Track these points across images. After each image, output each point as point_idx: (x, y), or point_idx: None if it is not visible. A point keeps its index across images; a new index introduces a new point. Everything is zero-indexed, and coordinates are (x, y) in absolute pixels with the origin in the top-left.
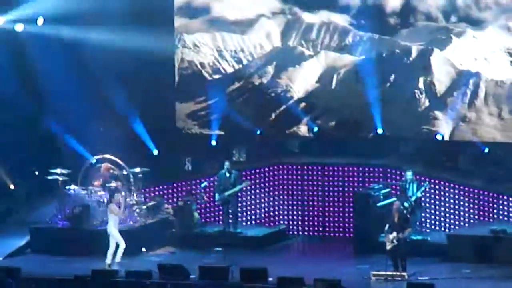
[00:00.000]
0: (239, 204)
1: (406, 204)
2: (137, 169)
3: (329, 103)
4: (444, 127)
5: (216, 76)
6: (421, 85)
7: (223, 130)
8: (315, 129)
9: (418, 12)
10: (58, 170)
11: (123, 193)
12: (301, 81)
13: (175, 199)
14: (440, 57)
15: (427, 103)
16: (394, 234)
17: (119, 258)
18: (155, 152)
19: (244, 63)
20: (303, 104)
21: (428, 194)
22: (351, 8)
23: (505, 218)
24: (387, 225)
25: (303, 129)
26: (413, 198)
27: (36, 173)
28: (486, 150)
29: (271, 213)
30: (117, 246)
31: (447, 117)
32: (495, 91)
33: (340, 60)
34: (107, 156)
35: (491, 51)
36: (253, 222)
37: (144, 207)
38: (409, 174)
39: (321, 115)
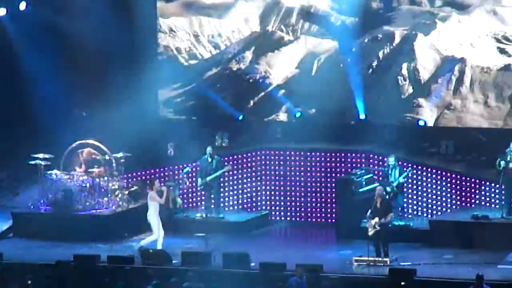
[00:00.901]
0: (222, 190)
1: (388, 189)
2: (120, 154)
3: (310, 89)
4: (428, 115)
5: (193, 62)
6: (404, 71)
7: (205, 115)
8: (297, 114)
9: None
10: (41, 155)
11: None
12: (281, 67)
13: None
14: (424, 42)
15: (410, 90)
16: (376, 219)
17: (144, 242)
18: (138, 137)
19: (221, 48)
20: (282, 91)
21: (410, 180)
22: None
23: (487, 204)
24: (369, 211)
25: (282, 116)
26: (395, 184)
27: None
28: (468, 136)
29: (254, 199)
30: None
31: (431, 105)
32: (481, 77)
33: (321, 45)
34: (90, 141)
35: (477, 36)
36: (236, 207)
37: (127, 192)
38: (391, 160)
39: (301, 102)
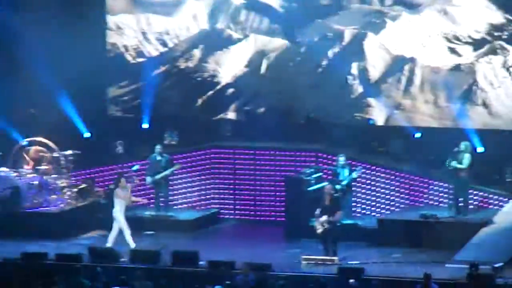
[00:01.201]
0: (171, 188)
1: (338, 187)
2: (68, 152)
3: (259, 88)
4: (377, 115)
5: (140, 60)
6: (354, 70)
7: (154, 113)
8: (247, 113)
9: None
10: None
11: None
12: (229, 65)
13: (106, 182)
14: (374, 41)
15: (360, 90)
16: (325, 217)
17: (131, 243)
18: (87, 134)
19: (169, 46)
20: (231, 90)
21: (359, 179)
22: None
23: (436, 203)
24: (318, 209)
25: (231, 115)
26: (344, 182)
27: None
28: (418, 135)
29: (203, 197)
30: (120, 231)
31: (381, 105)
32: (431, 77)
33: (270, 43)
34: (38, 138)
35: (427, 35)
36: (185, 205)
37: (75, 189)
38: (341, 159)
39: (250, 102)
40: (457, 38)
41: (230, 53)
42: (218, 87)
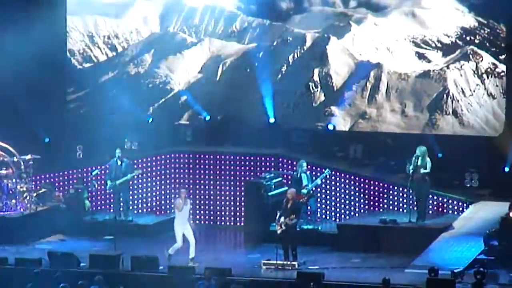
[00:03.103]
0: (131, 192)
1: (304, 191)
2: (28, 156)
3: (214, 96)
4: (341, 124)
5: (87, 65)
6: (316, 77)
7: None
8: (207, 118)
9: None
10: None
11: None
12: (183, 71)
13: (66, 187)
14: (337, 46)
15: (322, 98)
16: (282, 219)
17: (192, 253)
18: (46, 139)
19: (118, 51)
20: (184, 98)
21: (319, 184)
22: None
23: (395, 208)
24: (278, 213)
25: (184, 121)
26: (310, 187)
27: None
28: (377, 140)
29: (163, 201)
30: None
31: (345, 113)
32: (399, 84)
33: (226, 48)
34: None
35: (395, 40)
36: (145, 210)
37: (35, 194)
38: (303, 164)
39: (205, 109)
40: (426, 43)
41: (183, 58)
42: (171, 94)
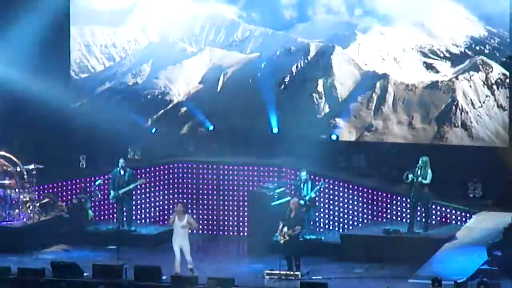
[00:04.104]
0: (134, 202)
1: (301, 202)
2: (31, 166)
3: (214, 107)
4: (346, 136)
5: (84, 75)
6: (320, 88)
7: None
8: (210, 127)
9: (318, 3)
10: None
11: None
12: (182, 82)
13: (69, 197)
14: (342, 56)
15: (327, 109)
16: (285, 229)
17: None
18: (50, 149)
19: (116, 60)
20: (183, 109)
21: (322, 194)
22: None
23: (398, 218)
24: (281, 223)
25: (185, 131)
26: (307, 197)
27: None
28: (380, 150)
29: (166, 212)
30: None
31: (350, 125)
32: (406, 96)
33: (227, 58)
34: (0, 152)
35: (401, 49)
36: (148, 220)
37: (38, 204)
38: (303, 174)
39: (205, 122)
40: (434, 53)
41: (183, 68)
42: (170, 105)
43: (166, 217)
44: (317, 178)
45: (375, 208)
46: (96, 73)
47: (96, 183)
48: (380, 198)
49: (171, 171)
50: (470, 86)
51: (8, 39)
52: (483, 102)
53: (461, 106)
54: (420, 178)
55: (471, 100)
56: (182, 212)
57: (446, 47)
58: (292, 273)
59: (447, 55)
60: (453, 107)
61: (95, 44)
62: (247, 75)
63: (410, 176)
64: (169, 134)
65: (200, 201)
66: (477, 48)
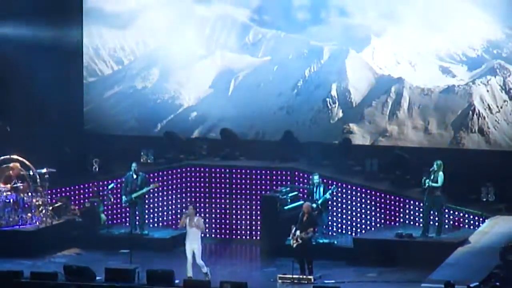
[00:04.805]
0: (147, 206)
1: (314, 206)
2: (44, 170)
3: (225, 112)
4: (360, 142)
5: (92, 79)
6: (333, 92)
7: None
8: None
9: (331, 6)
10: None
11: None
12: (192, 86)
13: (82, 200)
14: (356, 59)
15: (340, 114)
16: (298, 233)
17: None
18: (63, 152)
19: (124, 64)
20: (194, 114)
21: (335, 198)
22: (252, 0)
23: (411, 222)
24: (294, 226)
25: (196, 135)
26: (320, 201)
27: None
28: (393, 154)
29: (178, 215)
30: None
31: (364, 131)
32: (421, 100)
33: (238, 61)
34: (14, 156)
35: (417, 53)
36: (160, 224)
37: (51, 208)
38: (315, 178)
39: (215, 127)
40: (451, 56)
41: (193, 71)
42: (180, 110)
43: (178, 220)
44: (329, 182)
45: (388, 212)
46: (104, 77)
47: (109, 187)
48: (392, 202)
49: (183, 175)
50: (488, 91)
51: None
52: (501, 107)
53: (478, 111)
54: (432, 182)
55: (488, 105)
56: (193, 214)
57: (463, 51)
58: (304, 277)
59: (464, 59)
60: (470, 112)
61: (103, 47)
62: (259, 79)
63: (427, 181)
64: (181, 138)
65: (213, 205)
66: (495, 51)
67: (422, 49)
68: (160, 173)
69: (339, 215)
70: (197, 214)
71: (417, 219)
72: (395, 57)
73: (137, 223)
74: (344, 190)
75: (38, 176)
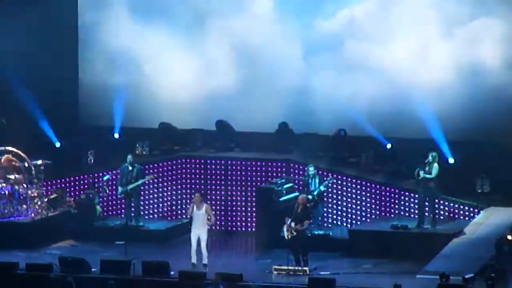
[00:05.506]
0: (142, 198)
1: (309, 197)
2: (39, 162)
3: (220, 103)
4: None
5: (87, 71)
6: None
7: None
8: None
9: None
10: None
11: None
12: (186, 77)
13: (77, 192)
14: None
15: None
16: (293, 225)
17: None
18: (58, 144)
19: (120, 55)
20: (189, 105)
21: (330, 189)
22: None
23: (406, 214)
24: (288, 218)
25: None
26: (316, 192)
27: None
28: (389, 146)
29: (174, 207)
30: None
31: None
32: None
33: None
34: (9, 148)
35: None
36: (156, 215)
37: (46, 199)
38: (311, 169)
39: (211, 118)
40: None
41: (186, 63)
42: (175, 101)
43: (174, 212)
44: (325, 173)
45: (383, 203)
46: (100, 68)
47: (104, 178)
48: (388, 194)
49: (179, 166)
50: None
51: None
52: None
53: None
54: (426, 173)
55: None
56: (199, 201)
57: None
58: (300, 268)
59: None
60: None
61: (98, 41)
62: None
63: (421, 172)
64: (175, 129)
65: (208, 197)
66: None
67: None
68: (156, 165)
69: (335, 206)
70: (203, 202)
71: (412, 210)
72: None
73: (132, 214)
74: (339, 182)
75: (33, 168)
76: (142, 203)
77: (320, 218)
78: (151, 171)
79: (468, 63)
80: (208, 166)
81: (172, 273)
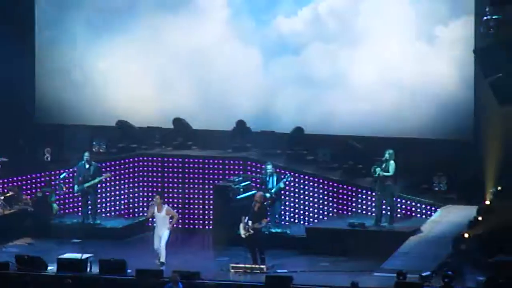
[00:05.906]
0: (99, 196)
1: (267, 195)
2: None
3: (178, 101)
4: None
5: (44, 69)
6: None
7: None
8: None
9: None
10: None
11: None
12: (145, 75)
13: (33, 190)
14: None
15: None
16: (250, 223)
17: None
18: (14, 142)
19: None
20: (147, 103)
21: (288, 187)
22: None
23: (363, 212)
24: (245, 216)
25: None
26: (273, 190)
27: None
28: (345, 143)
29: (131, 205)
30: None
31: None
32: None
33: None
34: None
35: None
36: (113, 213)
37: (2, 197)
38: (269, 167)
39: (168, 116)
40: None
41: (147, 61)
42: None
43: (131, 210)
44: (282, 171)
45: (340, 201)
46: (57, 66)
47: (61, 176)
48: (345, 192)
49: (136, 164)
50: None
51: None
52: None
53: None
54: (383, 171)
55: None
56: (160, 203)
57: None
58: (257, 266)
59: None
60: None
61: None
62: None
63: (378, 170)
64: (133, 127)
65: (165, 194)
66: None
67: None
68: (113, 163)
69: (292, 204)
70: (163, 204)
71: (369, 208)
72: None
73: (89, 212)
74: (296, 180)
75: None
76: (99, 201)
77: (277, 216)
78: (108, 169)
79: (428, 61)
80: (166, 164)
81: (129, 271)
